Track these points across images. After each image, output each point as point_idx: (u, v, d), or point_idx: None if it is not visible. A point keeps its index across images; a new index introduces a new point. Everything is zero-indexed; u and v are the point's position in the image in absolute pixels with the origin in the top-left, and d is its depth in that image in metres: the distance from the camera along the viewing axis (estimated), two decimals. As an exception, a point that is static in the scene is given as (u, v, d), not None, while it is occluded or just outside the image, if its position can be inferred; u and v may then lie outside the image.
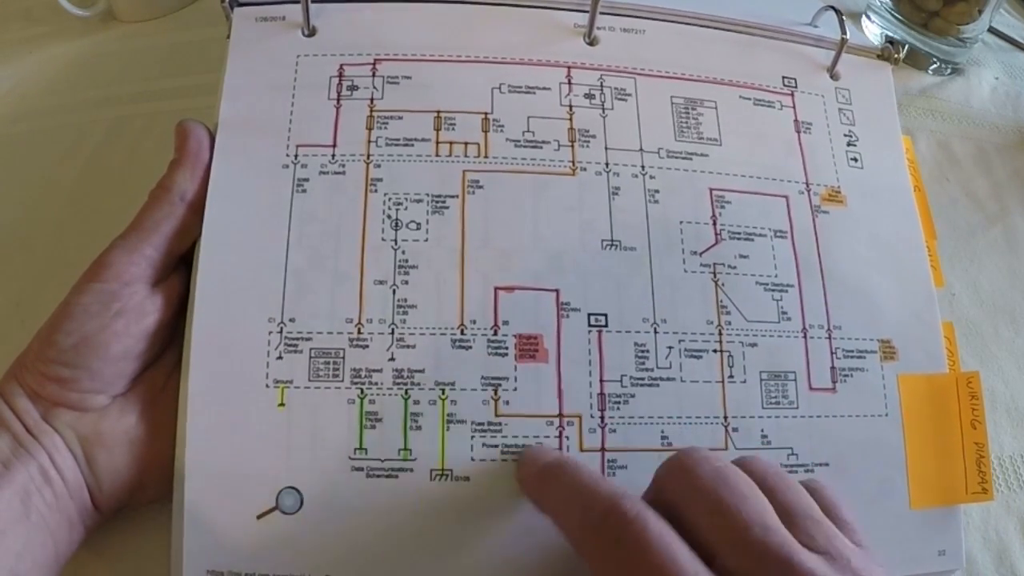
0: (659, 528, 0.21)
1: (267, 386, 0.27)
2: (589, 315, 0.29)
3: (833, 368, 0.30)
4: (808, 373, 0.29)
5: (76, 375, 0.25)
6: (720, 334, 0.29)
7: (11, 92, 0.44)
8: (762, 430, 0.28)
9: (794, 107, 0.34)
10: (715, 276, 0.30)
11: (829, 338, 0.30)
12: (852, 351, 0.30)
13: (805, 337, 0.30)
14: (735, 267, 0.30)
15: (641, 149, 0.31)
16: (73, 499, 0.25)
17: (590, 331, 0.28)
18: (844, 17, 0.34)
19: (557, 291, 0.29)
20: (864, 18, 0.51)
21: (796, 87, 0.34)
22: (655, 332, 0.29)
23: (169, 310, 0.27)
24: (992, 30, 0.53)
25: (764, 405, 0.29)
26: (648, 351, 0.28)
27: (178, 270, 0.28)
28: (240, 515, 0.26)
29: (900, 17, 0.48)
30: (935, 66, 0.49)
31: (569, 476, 0.24)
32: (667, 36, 0.34)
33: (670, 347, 0.29)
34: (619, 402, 0.28)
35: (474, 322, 0.28)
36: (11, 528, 0.23)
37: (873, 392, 0.30)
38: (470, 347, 0.28)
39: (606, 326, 0.28)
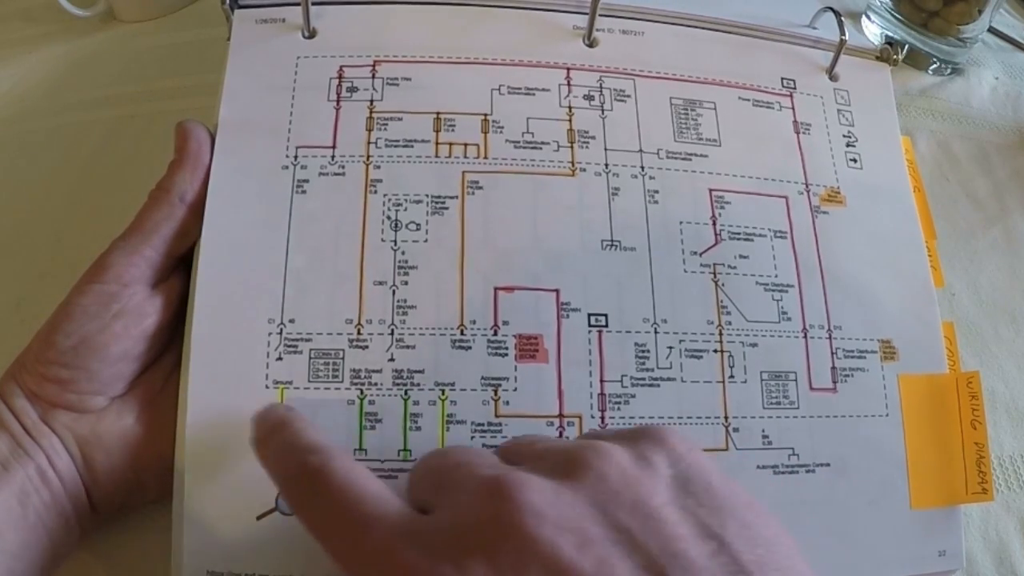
0: (344, 468, 0.20)
1: (267, 387, 0.27)
2: (589, 315, 0.29)
3: (834, 368, 0.30)
4: (809, 373, 0.29)
5: (75, 376, 0.25)
6: (720, 334, 0.29)
7: (11, 92, 0.44)
8: (763, 430, 0.28)
9: (793, 108, 0.34)
10: (715, 276, 0.30)
11: (829, 338, 0.30)
12: (852, 351, 0.30)
13: (805, 337, 0.30)
14: (735, 267, 0.30)
15: (640, 150, 0.31)
16: (71, 500, 0.25)
17: (590, 331, 0.28)
18: (843, 18, 0.34)
19: (557, 291, 0.29)
20: (864, 18, 0.51)
21: (795, 88, 0.34)
22: (655, 332, 0.29)
23: (168, 311, 0.27)
24: (992, 30, 0.52)
25: (765, 405, 0.29)
26: (648, 351, 0.28)
27: (177, 271, 0.28)
28: (240, 516, 0.26)
29: (900, 17, 0.48)
30: (935, 66, 0.49)
31: (278, 437, 0.22)
32: (666, 38, 0.34)
33: (670, 347, 0.29)
34: (619, 402, 0.28)
35: (474, 322, 0.28)
36: (9, 529, 0.23)
37: (873, 392, 0.30)
38: (470, 347, 0.28)
39: (606, 326, 0.28)
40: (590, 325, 0.28)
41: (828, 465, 0.29)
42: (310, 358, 0.27)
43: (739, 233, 0.31)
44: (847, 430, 0.29)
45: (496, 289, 0.28)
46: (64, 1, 0.46)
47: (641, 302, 0.29)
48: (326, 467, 0.20)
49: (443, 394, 0.27)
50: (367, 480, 0.20)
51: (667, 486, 0.19)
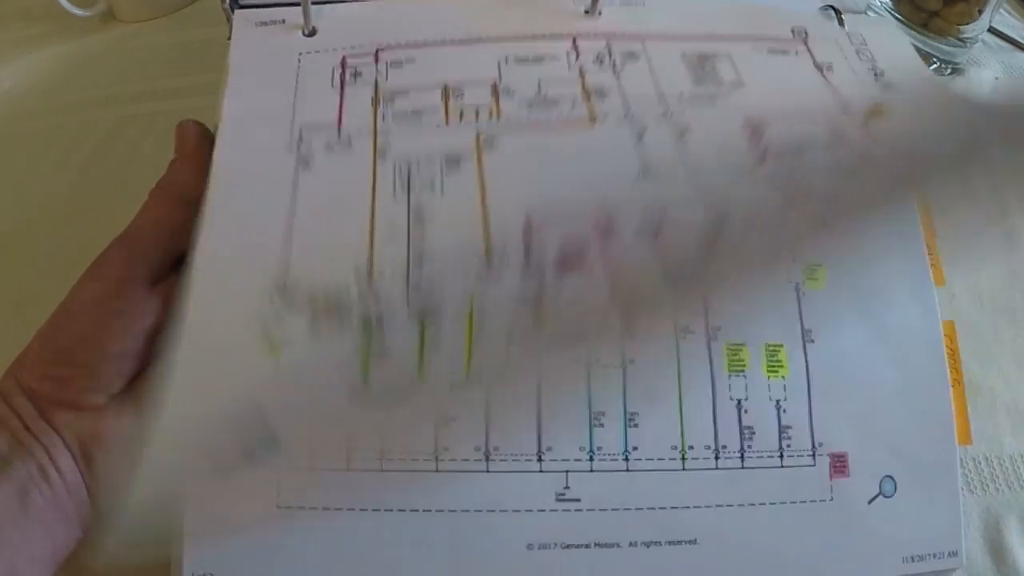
0: None
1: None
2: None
3: None
4: None
5: (74, 374, 0.25)
6: None
7: (11, 92, 0.44)
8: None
9: (810, 52, 0.33)
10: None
11: None
12: None
13: None
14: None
15: (662, 94, 0.30)
16: (71, 497, 0.25)
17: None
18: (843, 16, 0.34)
19: (592, 209, 0.27)
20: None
21: (807, 36, 0.33)
22: None
23: (168, 310, 0.27)
24: (992, 30, 0.53)
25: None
26: None
27: (177, 270, 0.28)
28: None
29: (900, 17, 0.48)
30: (935, 66, 0.49)
31: None
32: (669, 5, 0.33)
33: None
34: None
35: (502, 249, 0.27)
36: (10, 524, 0.23)
37: None
38: (499, 278, 0.26)
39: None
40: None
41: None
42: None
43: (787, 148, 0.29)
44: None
45: (525, 221, 0.27)
46: (64, 1, 0.46)
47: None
48: None
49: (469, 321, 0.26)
50: None
51: None
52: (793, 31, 0.33)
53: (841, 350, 0.29)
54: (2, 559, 0.23)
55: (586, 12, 0.33)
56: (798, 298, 0.30)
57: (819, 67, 0.32)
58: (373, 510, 0.26)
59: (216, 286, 0.27)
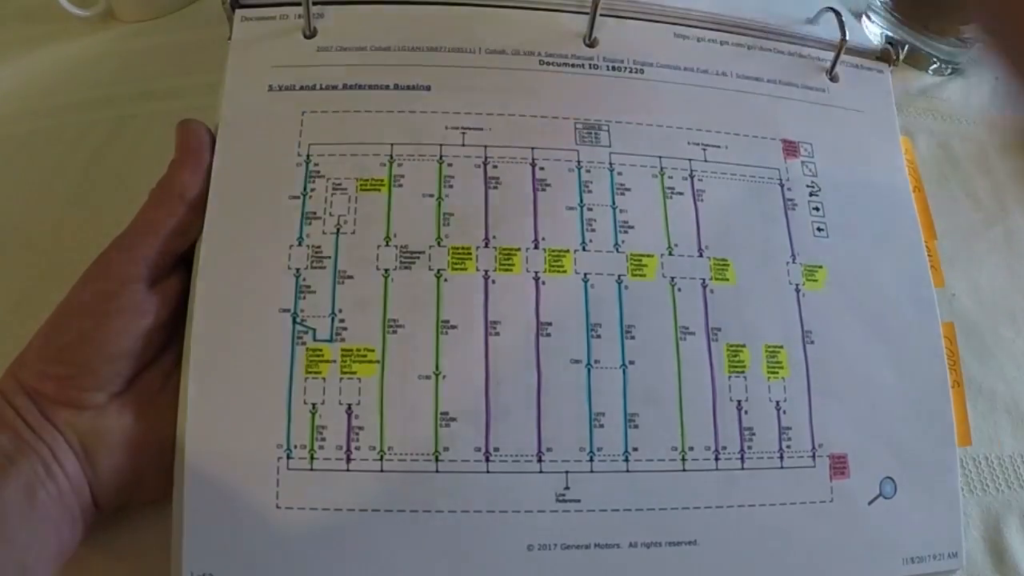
0: None
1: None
2: None
3: None
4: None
5: (73, 373, 0.25)
6: None
7: (11, 92, 0.44)
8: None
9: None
10: None
11: None
12: None
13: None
14: None
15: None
16: (75, 494, 0.25)
17: None
18: (844, 18, 0.34)
19: None
20: (864, 18, 0.50)
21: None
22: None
23: (167, 310, 0.27)
24: (992, 30, 0.52)
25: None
26: None
27: (177, 270, 0.28)
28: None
29: (900, 17, 0.48)
30: (935, 66, 0.49)
31: None
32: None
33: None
34: None
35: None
36: (17, 519, 0.23)
37: None
38: None
39: None
40: None
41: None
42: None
43: None
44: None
45: None
46: (64, 1, 0.46)
47: None
48: None
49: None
50: None
51: None
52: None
53: (841, 351, 0.30)
54: (13, 557, 0.23)
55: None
56: (798, 299, 0.30)
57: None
58: (373, 510, 0.26)
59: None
